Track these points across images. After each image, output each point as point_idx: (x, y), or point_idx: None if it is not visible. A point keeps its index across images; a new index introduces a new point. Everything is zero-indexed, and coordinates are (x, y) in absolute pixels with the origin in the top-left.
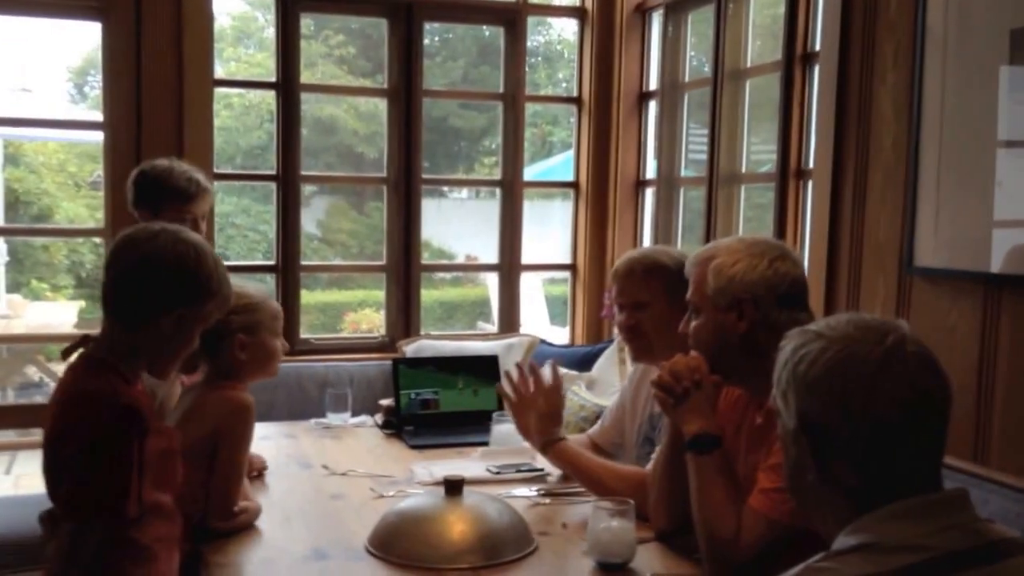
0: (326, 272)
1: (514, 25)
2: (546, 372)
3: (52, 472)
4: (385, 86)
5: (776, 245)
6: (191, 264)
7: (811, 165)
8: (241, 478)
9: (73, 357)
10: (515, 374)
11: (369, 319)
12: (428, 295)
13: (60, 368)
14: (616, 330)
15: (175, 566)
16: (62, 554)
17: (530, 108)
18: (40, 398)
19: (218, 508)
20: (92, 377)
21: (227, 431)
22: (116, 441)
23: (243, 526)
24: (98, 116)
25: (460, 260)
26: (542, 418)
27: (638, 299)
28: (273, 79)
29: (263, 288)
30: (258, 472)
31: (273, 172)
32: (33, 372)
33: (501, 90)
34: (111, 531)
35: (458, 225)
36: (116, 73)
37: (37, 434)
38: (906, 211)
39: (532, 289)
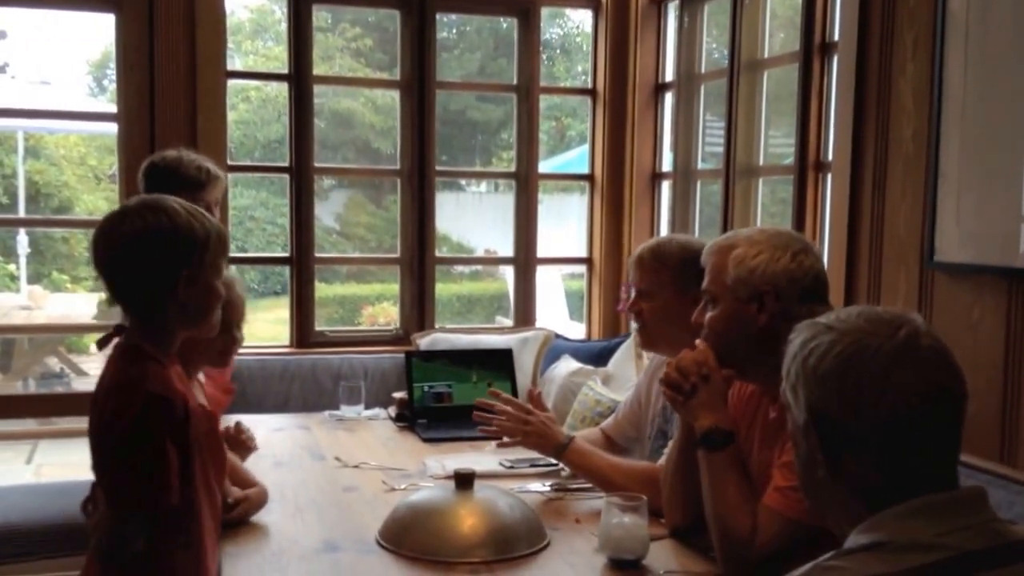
0: (339, 264)
1: (528, 16)
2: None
3: (97, 464)
4: (398, 78)
5: (798, 238)
6: (168, 226)
7: (830, 157)
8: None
9: (110, 347)
10: (496, 407)
11: (387, 312)
12: (447, 289)
13: (81, 359)
14: (632, 322)
15: (216, 561)
16: (107, 542)
17: (549, 101)
18: (60, 388)
19: None
20: (125, 366)
21: None
22: (149, 431)
23: (246, 515)
24: (113, 108)
25: (480, 254)
26: (543, 428)
27: (642, 287)
28: (285, 71)
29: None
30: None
31: (286, 164)
32: (54, 363)
33: (515, 82)
34: (164, 520)
35: (477, 219)
36: (129, 65)
37: (58, 424)
38: (927, 204)
39: (552, 284)
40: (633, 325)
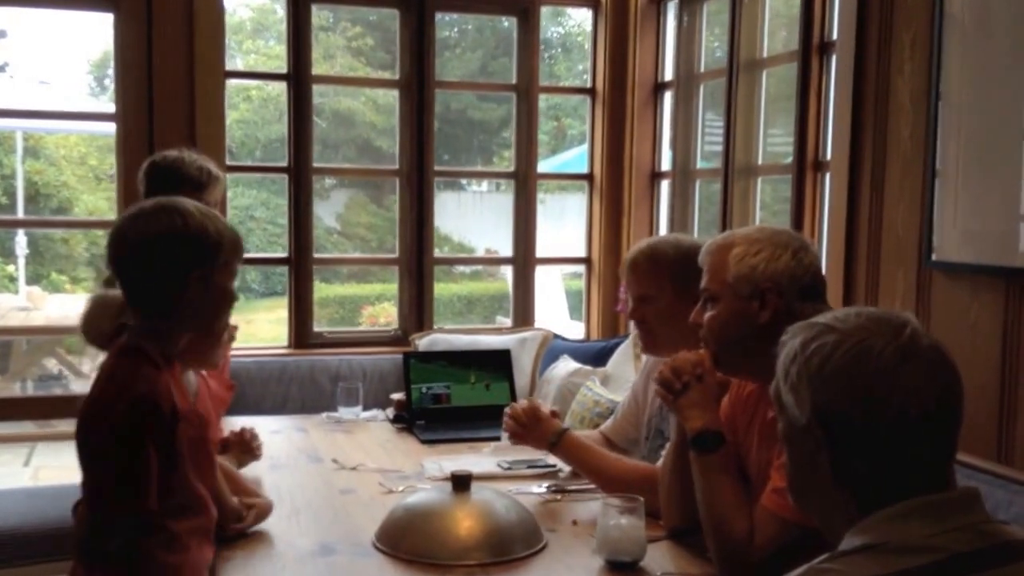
0: (338, 265)
1: (527, 15)
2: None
3: (81, 462)
4: (397, 77)
5: (796, 236)
6: (181, 227)
7: (828, 157)
8: (215, 477)
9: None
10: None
11: (387, 313)
12: (447, 289)
13: (79, 360)
14: (631, 323)
15: (207, 560)
16: (87, 541)
17: (550, 100)
18: (59, 390)
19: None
20: (119, 366)
21: None
22: (131, 435)
23: (250, 525)
24: (113, 108)
25: (481, 254)
26: (539, 424)
27: (641, 293)
28: (284, 71)
29: None
30: (245, 442)
31: (285, 164)
32: (52, 364)
33: (514, 81)
34: (149, 520)
35: (478, 219)
36: (127, 65)
37: (56, 426)
38: (925, 203)
39: (553, 284)
40: (633, 331)
